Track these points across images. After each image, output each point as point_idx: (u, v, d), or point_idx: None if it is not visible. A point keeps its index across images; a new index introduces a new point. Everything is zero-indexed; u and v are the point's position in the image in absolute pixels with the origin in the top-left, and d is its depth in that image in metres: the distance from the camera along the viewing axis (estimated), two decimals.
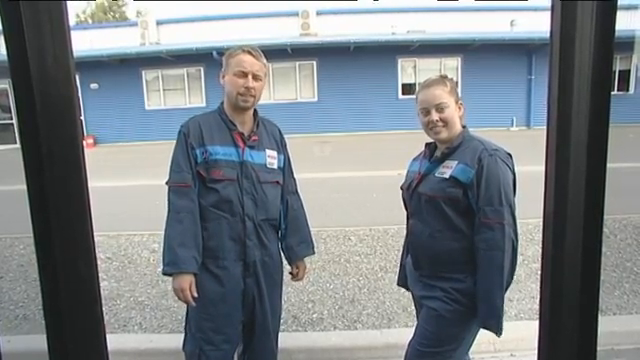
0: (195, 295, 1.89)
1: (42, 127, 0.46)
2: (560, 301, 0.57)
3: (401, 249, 2.23)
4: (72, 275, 0.51)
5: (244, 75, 1.95)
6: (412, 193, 1.94)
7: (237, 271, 2.00)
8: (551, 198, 0.55)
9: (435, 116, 1.83)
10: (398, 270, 2.25)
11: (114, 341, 3.16)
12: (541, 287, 0.60)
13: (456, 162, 1.80)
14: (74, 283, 0.51)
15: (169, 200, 1.96)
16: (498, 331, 1.74)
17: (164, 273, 1.94)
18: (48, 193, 0.48)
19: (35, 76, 0.46)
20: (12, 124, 16.92)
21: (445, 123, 1.83)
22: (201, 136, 1.96)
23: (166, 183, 1.98)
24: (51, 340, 0.53)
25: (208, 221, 1.96)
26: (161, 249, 1.96)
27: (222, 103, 2.07)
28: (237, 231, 1.98)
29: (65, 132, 0.48)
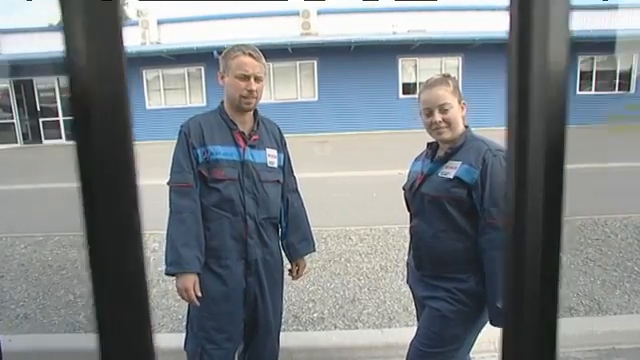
0: (199, 295, 1.90)
1: (95, 126, 0.47)
2: (522, 302, 0.58)
3: (402, 249, 2.23)
4: (122, 273, 0.51)
5: (246, 78, 1.95)
6: (415, 193, 1.94)
7: (239, 270, 2.01)
8: (511, 199, 0.56)
9: (438, 117, 1.82)
10: (406, 269, 2.24)
11: None
12: (503, 289, 0.61)
13: (460, 162, 1.80)
14: (124, 282, 0.52)
15: (171, 200, 1.96)
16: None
17: (167, 273, 1.95)
18: (100, 192, 0.49)
19: (90, 74, 0.47)
20: (13, 123, 16.92)
21: (448, 124, 1.82)
22: (202, 136, 1.96)
23: (167, 183, 1.99)
24: (101, 339, 0.53)
25: (210, 221, 1.97)
26: (161, 249, 1.97)
27: (222, 103, 2.08)
28: (239, 230, 1.99)
29: (118, 131, 0.49)
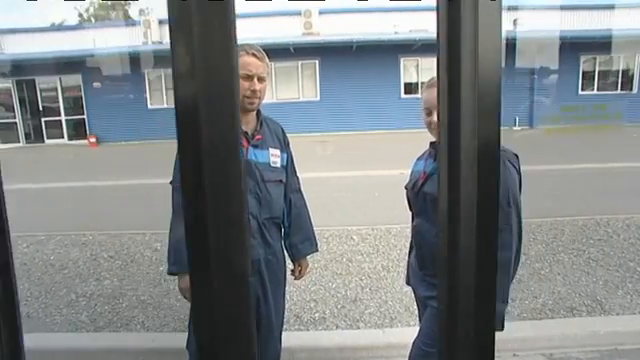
0: None
1: (203, 120, 0.47)
2: (456, 305, 0.58)
3: (404, 248, 2.23)
4: (226, 271, 0.51)
5: (249, 78, 1.94)
6: (417, 193, 1.94)
7: None
8: (444, 203, 0.55)
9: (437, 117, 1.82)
10: (406, 269, 2.24)
11: (116, 340, 3.17)
12: (438, 292, 0.60)
13: None
14: (228, 279, 0.51)
15: (173, 199, 1.96)
16: (500, 329, 1.75)
17: (169, 273, 1.96)
18: (206, 188, 0.49)
19: (200, 69, 0.47)
20: (15, 123, 16.95)
21: None
22: None
23: (170, 183, 1.99)
24: (203, 338, 0.53)
25: None
26: (163, 248, 1.97)
27: None
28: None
29: (225, 125, 0.49)
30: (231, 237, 0.47)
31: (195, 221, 0.49)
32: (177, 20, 0.45)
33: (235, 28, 0.47)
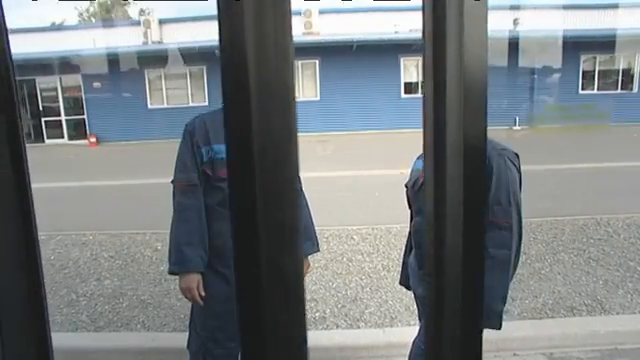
0: (203, 294, 1.91)
1: (255, 118, 0.45)
2: (443, 304, 0.57)
3: (403, 248, 2.23)
4: (277, 274, 0.50)
5: None
6: (417, 191, 1.94)
7: None
8: (430, 201, 0.55)
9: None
10: (401, 269, 2.25)
11: (117, 339, 3.17)
12: (426, 291, 0.60)
13: None
14: (279, 282, 0.50)
15: (175, 199, 1.96)
16: (498, 327, 1.75)
17: (170, 272, 1.96)
18: (257, 189, 0.48)
19: (253, 64, 0.45)
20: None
21: None
22: (207, 135, 1.95)
23: (172, 182, 1.98)
24: (248, 345, 0.51)
25: (213, 220, 1.96)
26: (163, 248, 1.97)
27: None
28: None
29: (282, 122, 0.47)
30: (284, 242, 0.46)
31: (244, 226, 0.48)
32: (226, 11, 0.44)
33: (290, 20, 0.46)
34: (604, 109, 14.94)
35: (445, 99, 0.51)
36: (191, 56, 15.34)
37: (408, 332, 2.49)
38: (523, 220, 1.78)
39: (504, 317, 1.76)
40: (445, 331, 0.56)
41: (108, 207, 6.76)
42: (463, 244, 0.54)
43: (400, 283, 2.24)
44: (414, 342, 1.95)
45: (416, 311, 2.29)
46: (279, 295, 0.47)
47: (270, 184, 0.45)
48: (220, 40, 0.44)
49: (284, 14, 0.45)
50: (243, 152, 0.45)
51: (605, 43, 14.57)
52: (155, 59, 15.53)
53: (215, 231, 1.97)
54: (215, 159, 1.94)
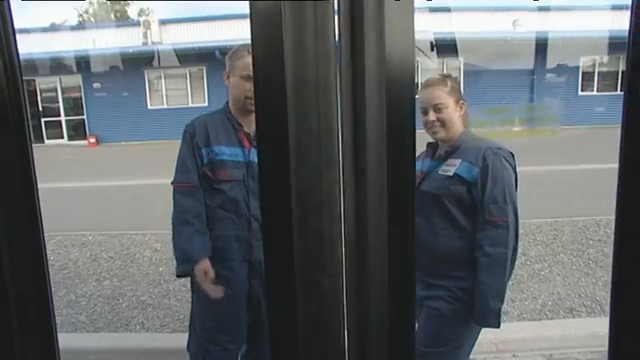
0: (212, 276, 1.90)
1: (291, 121, 0.45)
2: (368, 304, 0.56)
3: None
4: (313, 287, 0.48)
5: (251, 79, 1.94)
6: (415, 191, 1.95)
7: (243, 271, 2.00)
8: (351, 204, 0.53)
9: (432, 116, 1.85)
10: None
11: (117, 340, 3.17)
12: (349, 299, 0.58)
13: (460, 160, 1.82)
14: (316, 296, 0.48)
15: (175, 200, 1.96)
16: (497, 326, 1.76)
17: (179, 274, 1.98)
18: (293, 191, 0.46)
19: (292, 73, 0.45)
20: None
21: (442, 123, 1.85)
22: (207, 136, 1.95)
23: (172, 183, 1.98)
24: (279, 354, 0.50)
25: (214, 222, 1.96)
26: (163, 248, 1.98)
27: (227, 103, 2.06)
28: (243, 232, 1.97)
29: (320, 125, 0.46)
30: (322, 252, 0.45)
31: (277, 237, 0.47)
32: (259, 13, 0.44)
33: (332, 23, 0.45)
34: (542, 112, 14.79)
35: (364, 103, 0.50)
36: (191, 57, 15.34)
37: None
38: (520, 219, 1.80)
39: (504, 318, 1.76)
40: (371, 326, 0.55)
41: (108, 208, 6.76)
42: (389, 264, 0.54)
43: None
44: None
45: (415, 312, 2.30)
46: (314, 314, 0.46)
47: (309, 187, 0.44)
48: (253, 40, 0.43)
49: (325, 17, 0.45)
50: (277, 155, 0.44)
51: (604, 44, 14.59)
52: (155, 59, 15.53)
53: (215, 233, 1.96)
54: (215, 161, 1.93)
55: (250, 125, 2.03)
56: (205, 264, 1.89)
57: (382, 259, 0.55)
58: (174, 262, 2.01)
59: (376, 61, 0.49)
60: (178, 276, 2.00)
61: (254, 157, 1.98)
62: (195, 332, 2.06)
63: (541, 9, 16.35)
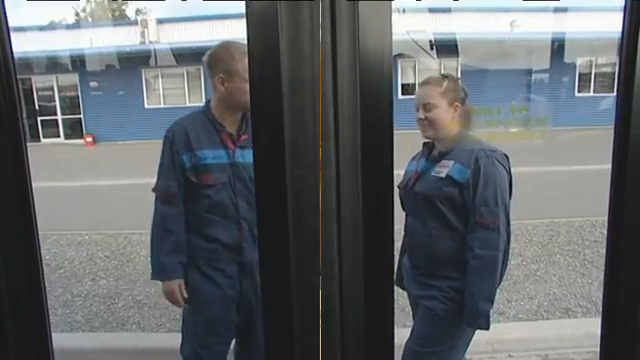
0: (185, 296, 1.93)
1: (287, 120, 0.44)
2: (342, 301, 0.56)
3: (400, 249, 2.23)
4: (308, 287, 0.48)
5: None
6: (409, 192, 1.95)
7: (233, 274, 1.98)
8: (333, 203, 0.53)
9: (421, 114, 1.87)
10: (396, 270, 2.25)
11: (113, 339, 3.16)
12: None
13: (452, 162, 1.82)
14: (310, 296, 0.48)
15: (155, 208, 1.96)
16: (486, 328, 1.77)
17: (153, 279, 2.02)
18: (289, 191, 0.46)
19: (288, 72, 0.45)
20: None
21: (430, 122, 1.85)
22: (188, 141, 1.89)
23: (152, 190, 1.97)
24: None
25: (202, 227, 1.93)
26: None
27: (208, 102, 1.99)
28: (233, 234, 1.94)
29: (316, 124, 0.46)
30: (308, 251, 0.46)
31: (272, 237, 0.47)
32: (255, 12, 0.44)
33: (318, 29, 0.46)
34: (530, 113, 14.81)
35: (344, 105, 0.50)
36: (188, 56, 15.31)
37: (403, 334, 2.49)
38: (512, 221, 1.80)
39: (499, 318, 1.77)
40: (347, 327, 0.55)
41: (104, 207, 6.74)
42: (365, 274, 0.53)
43: (395, 284, 2.24)
44: (406, 344, 1.95)
45: (411, 312, 2.30)
46: (306, 313, 0.46)
47: (302, 191, 0.44)
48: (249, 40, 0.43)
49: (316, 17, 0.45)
50: (273, 155, 0.44)
51: (601, 46, 14.63)
52: (152, 59, 15.50)
53: (204, 237, 1.94)
54: (199, 165, 1.88)
55: (233, 124, 1.97)
56: (178, 282, 1.93)
57: (358, 260, 0.55)
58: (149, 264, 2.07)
59: (349, 62, 0.49)
60: (153, 279, 2.04)
61: (239, 157, 1.94)
62: (187, 335, 2.05)
63: (539, 10, 16.39)
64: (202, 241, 1.95)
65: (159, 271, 1.96)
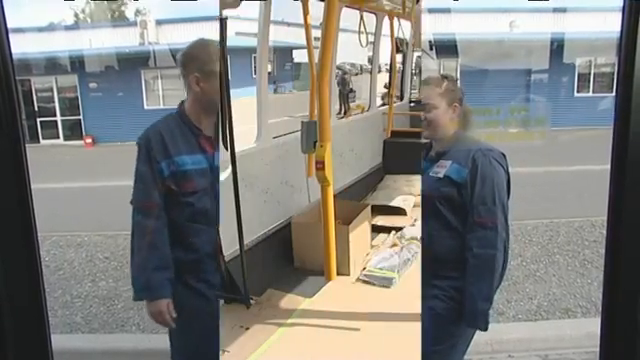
0: (174, 315, 1.78)
1: None
2: None
3: None
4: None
5: None
6: None
7: (217, 282, 1.94)
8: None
9: (422, 114, 1.89)
10: None
11: (112, 341, 3.16)
12: None
13: (450, 162, 1.83)
14: None
15: (134, 220, 1.79)
16: (484, 329, 1.77)
17: (136, 299, 1.85)
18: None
19: None
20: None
21: (428, 122, 1.86)
22: (165, 147, 1.79)
23: (130, 202, 1.83)
24: None
25: (185, 236, 1.81)
26: None
27: (182, 105, 1.88)
28: (216, 241, 1.90)
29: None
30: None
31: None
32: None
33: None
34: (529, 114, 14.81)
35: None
36: None
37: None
38: (512, 221, 1.81)
39: (499, 319, 1.77)
40: None
41: (104, 208, 6.73)
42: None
43: None
44: None
45: None
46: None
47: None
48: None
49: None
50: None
51: (600, 46, 14.64)
52: (152, 59, 15.50)
53: (187, 246, 1.81)
54: (178, 173, 1.77)
55: (210, 127, 1.88)
56: (167, 302, 1.75)
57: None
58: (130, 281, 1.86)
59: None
60: (135, 300, 1.87)
61: (219, 160, 1.88)
62: (174, 346, 2.00)
63: (538, 11, 16.41)
64: (186, 252, 1.81)
65: (143, 289, 1.77)
